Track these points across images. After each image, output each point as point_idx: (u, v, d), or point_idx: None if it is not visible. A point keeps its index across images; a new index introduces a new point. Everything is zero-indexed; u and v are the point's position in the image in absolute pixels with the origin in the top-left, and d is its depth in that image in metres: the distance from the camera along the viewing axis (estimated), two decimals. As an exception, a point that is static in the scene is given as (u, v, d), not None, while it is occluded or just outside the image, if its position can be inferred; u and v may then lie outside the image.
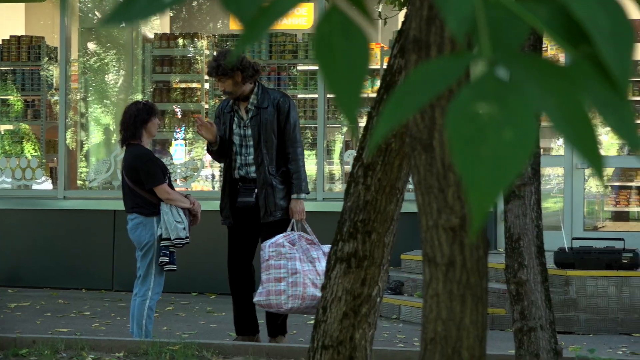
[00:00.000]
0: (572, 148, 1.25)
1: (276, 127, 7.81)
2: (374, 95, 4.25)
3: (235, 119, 7.86)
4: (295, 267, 7.36)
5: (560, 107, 1.26)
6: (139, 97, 12.00)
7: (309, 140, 11.68)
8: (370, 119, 4.07)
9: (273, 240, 7.47)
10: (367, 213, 4.05)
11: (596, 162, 1.26)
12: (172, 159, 12.08)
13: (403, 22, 4.05)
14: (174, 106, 12.37)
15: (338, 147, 11.88)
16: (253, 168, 7.80)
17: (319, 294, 7.19)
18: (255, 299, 7.48)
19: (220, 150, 7.85)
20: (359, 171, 4.05)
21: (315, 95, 11.61)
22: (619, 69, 1.30)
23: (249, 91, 7.80)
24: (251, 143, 7.82)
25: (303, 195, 7.80)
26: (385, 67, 4.23)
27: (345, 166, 11.59)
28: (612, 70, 1.30)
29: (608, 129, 1.27)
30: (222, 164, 8.16)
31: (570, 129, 1.25)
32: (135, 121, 7.60)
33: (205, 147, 8.10)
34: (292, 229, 7.67)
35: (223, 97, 8.20)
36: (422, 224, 2.27)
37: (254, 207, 7.77)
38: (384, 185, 4.02)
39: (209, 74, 7.92)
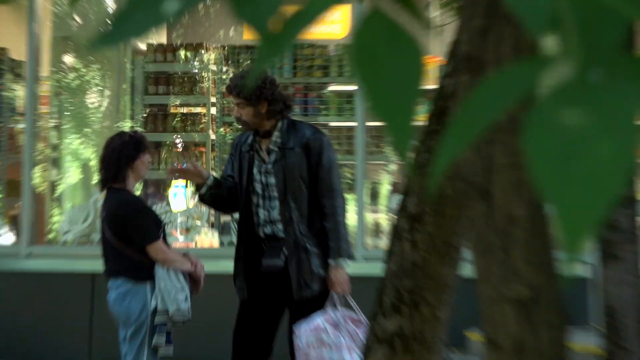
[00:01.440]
0: None
1: (306, 173, 7.66)
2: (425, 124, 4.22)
3: (256, 161, 7.72)
4: (342, 358, 7.27)
5: None
6: (128, 124, 12.06)
7: (346, 181, 11.66)
8: (418, 155, 4.04)
9: (310, 323, 7.34)
10: (414, 278, 4.00)
11: None
12: (169, 205, 12.11)
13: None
14: (173, 136, 12.42)
15: (384, 190, 11.88)
16: (280, 226, 7.63)
17: None
18: None
19: (217, 196, 7.68)
20: (404, 223, 4.01)
21: (354, 124, 11.60)
22: None
23: (271, 126, 7.70)
24: (275, 194, 7.65)
25: (344, 261, 7.62)
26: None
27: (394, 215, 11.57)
28: None
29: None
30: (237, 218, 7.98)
31: None
32: (119, 158, 7.57)
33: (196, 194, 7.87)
34: (334, 305, 7.54)
35: (238, 127, 8.11)
36: (481, 295, 2.26)
37: (281, 274, 7.60)
38: (436, 242, 3.98)
39: (228, 89, 7.74)
